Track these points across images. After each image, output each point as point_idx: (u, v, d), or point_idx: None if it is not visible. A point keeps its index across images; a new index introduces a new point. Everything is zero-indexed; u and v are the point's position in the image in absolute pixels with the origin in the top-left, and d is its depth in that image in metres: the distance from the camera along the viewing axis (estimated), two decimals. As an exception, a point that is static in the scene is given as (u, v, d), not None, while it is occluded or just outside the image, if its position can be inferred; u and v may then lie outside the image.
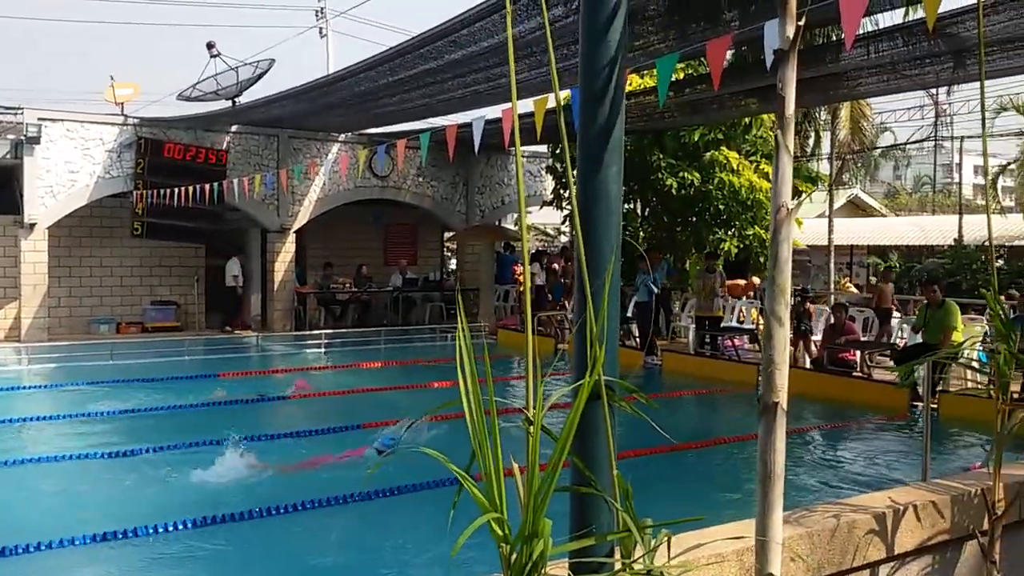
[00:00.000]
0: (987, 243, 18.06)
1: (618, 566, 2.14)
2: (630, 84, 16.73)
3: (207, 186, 14.97)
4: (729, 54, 17.67)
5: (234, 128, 18.17)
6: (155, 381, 12.45)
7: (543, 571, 1.95)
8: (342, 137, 19.09)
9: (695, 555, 2.55)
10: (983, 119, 2.81)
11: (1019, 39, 10.56)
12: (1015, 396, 7.18)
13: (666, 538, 2.24)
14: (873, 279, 27.06)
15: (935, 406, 10.15)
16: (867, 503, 3.22)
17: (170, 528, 6.21)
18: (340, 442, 8.64)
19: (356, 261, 20.46)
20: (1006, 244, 26.17)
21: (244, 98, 17.15)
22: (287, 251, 18.67)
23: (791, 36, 2.13)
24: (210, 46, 18.00)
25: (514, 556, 1.95)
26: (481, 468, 2.01)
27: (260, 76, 17.51)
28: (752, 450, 8.08)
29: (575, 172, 2.29)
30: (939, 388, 10.57)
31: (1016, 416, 3.01)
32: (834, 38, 15.45)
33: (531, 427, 2.06)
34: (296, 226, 18.75)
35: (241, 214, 18.41)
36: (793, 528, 2.91)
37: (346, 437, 8.81)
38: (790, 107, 2.16)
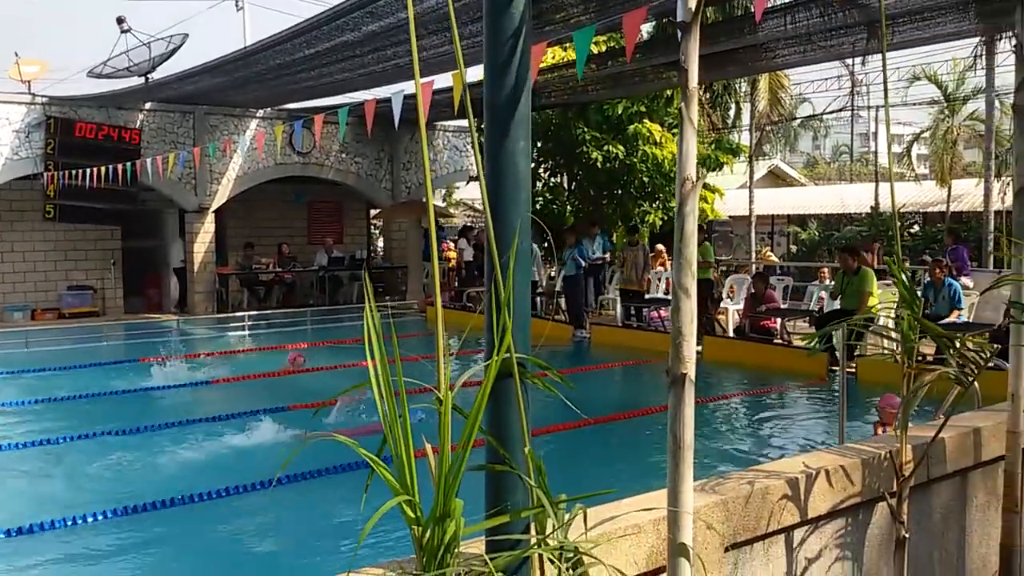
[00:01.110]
0: (902, 210, 18.59)
1: (533, 542, 2.14)
2: (552, 57, 16.71)
3: (120, 166, 14.50)
4: (650, 27, 17.87)
5: (148, 105, 17.60)
6: (73, 368, 12.09)
7: (455, 551, 1.93)
8: (261, 113, 18.66)
9: (612, 527, 2.57)
10: (885, 91, 2.86)
11: (928, 10, 10.83)
12: (929, 359, 7.43)
13: (581, 512, 2.24)
14: (794, 248, 27.71)
15: (853, 370, 10.46)
16: (781, 469, 3.28)
17: (90, 519, 6.05)
18: (265, 426, 8.49)
19: (279, 241, 20.09)
20: (921, 211, 27.01)
21: (158, 74, 16.63)
22: (206, 231, 18.20)
23: (693, 8, 2.12)
24: (120, 21, 17.37)
25: (426, 537, 1.93)
26: (392, 451, 1.98)
27: (174, 51, 16.97)
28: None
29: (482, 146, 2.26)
30: (857, 353, 10.89)
31: (922, 379, 3.09)
32: (752, 9, 15.62)
33: (442, 406, 2.04)
34: (215, 205, 18.29)
35: (157, 194, 17.90)
36: (708, 496, 2.95)
37: (271, 420, 8.65)
38: (693, 80, 2.15)
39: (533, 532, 2.23)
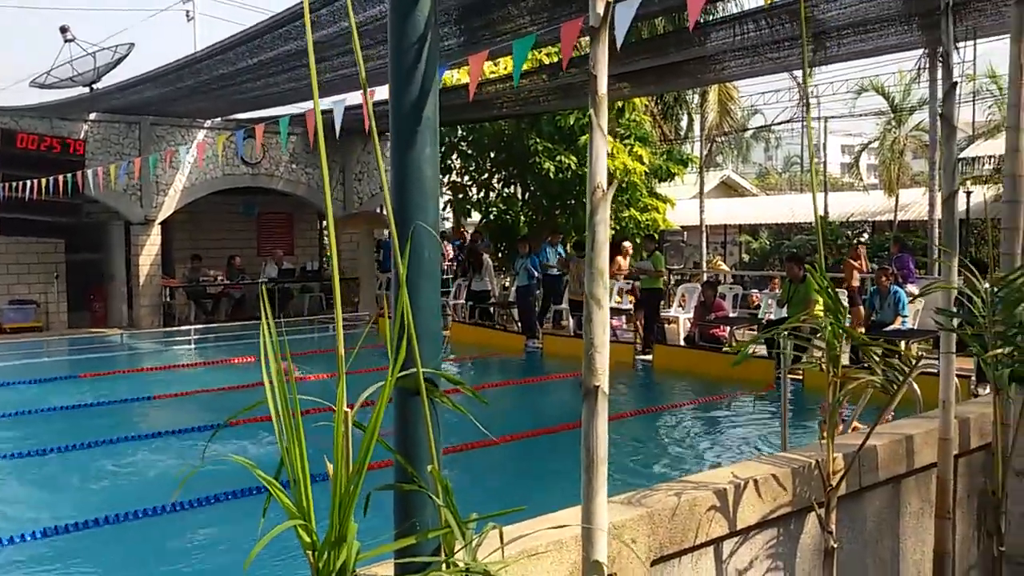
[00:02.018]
0: (851, 219, 18.68)
1: (439, 563, 2.06)
2: (505, 68, 16.71)
3: (62, 177, 14.18)
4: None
5: (92, 116, 17.26)
6: (11, 385, 11.76)
7: (352, 574, 1.86)
8: (208, 123, 18.38)
9: (533, 543, 2.50)
10: (807, 104, 2.84)
11: (871, 22, 11.00)
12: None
13: (492, 531, 2.17)
14: (745, 256, 27.98)
15: (800, 378, 10.54)
16: (709, 479, 3.23)
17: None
18: (197, 443, 8.29)
19: (228, 253, 19.78)
20: (870, 220, 27.40)
21: (102, 84, 16.32)
22: (152, 244, 17.87)
23: (601, 13, 2.08)
24: (63, 30, 17.07)
25: (322, 562, 1.85)
26: (288, 473, 1.91)
27: (119, 61, 16.70)
28: (623, 428, 8.17)
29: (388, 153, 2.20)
30: (804, 360, 10.96)
31: (847, 387, 3.08)
32: (700, 21, 15.76)
33: (343, 425, 1.96)
34: (161, 217, 17.97)
35: (102, 206, 17.55)
36: (634, 509, 2.89)
37: (204, 438, 8.45)
38: (602, 86, 2.11)
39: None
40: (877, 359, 2.98)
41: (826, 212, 26.32)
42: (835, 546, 3.12)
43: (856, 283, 13.60)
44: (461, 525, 2.02)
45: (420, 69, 2.11)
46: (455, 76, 17.86)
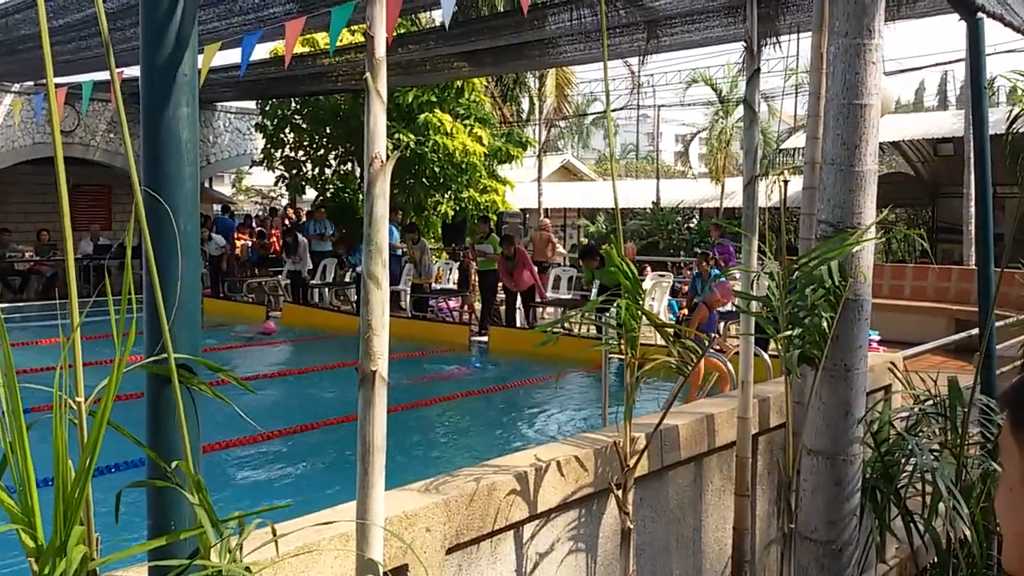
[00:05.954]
0: (681, 205, 19.27)
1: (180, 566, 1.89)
2: (340, 40, 16.25)
3: None
4: (439, 16, 17.75)
5: None
6: None
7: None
8: (17, 87, 16.97)
9: (315, 539, 2.35)
10: (607, 95, 2.80)
11: (697, 12, 11.32)
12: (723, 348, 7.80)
13: (261, 530, 2.01)
14: (585, 240, 28.53)
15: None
16: (511, 463, 3.18)
17: None
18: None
19: (38, 227, 18.39)
20: (697, 207, 28.49)
21: None
22: (-48, 217, 16.45)
23: (377, -31, 1.94)
24: None
25: (46, 569, 1.64)
26: (13, 473, 1.69)
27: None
28: (451, 410, 8.06)
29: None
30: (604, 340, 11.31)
31: (644, 368, 3.09)
32: (539, 2, 15.84)
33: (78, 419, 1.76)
34: (-38, 188, 16.54)
35: None
36: (430, 497, 2.80)
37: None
38: (380, 48, 1.97)
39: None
40: (672, 341, 3.00)
41: (658, 198, 27.17)
42: (631, 527, 3.13)
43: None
44: (217, 523, 1.85)
45: (177, 17, 1.90)
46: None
